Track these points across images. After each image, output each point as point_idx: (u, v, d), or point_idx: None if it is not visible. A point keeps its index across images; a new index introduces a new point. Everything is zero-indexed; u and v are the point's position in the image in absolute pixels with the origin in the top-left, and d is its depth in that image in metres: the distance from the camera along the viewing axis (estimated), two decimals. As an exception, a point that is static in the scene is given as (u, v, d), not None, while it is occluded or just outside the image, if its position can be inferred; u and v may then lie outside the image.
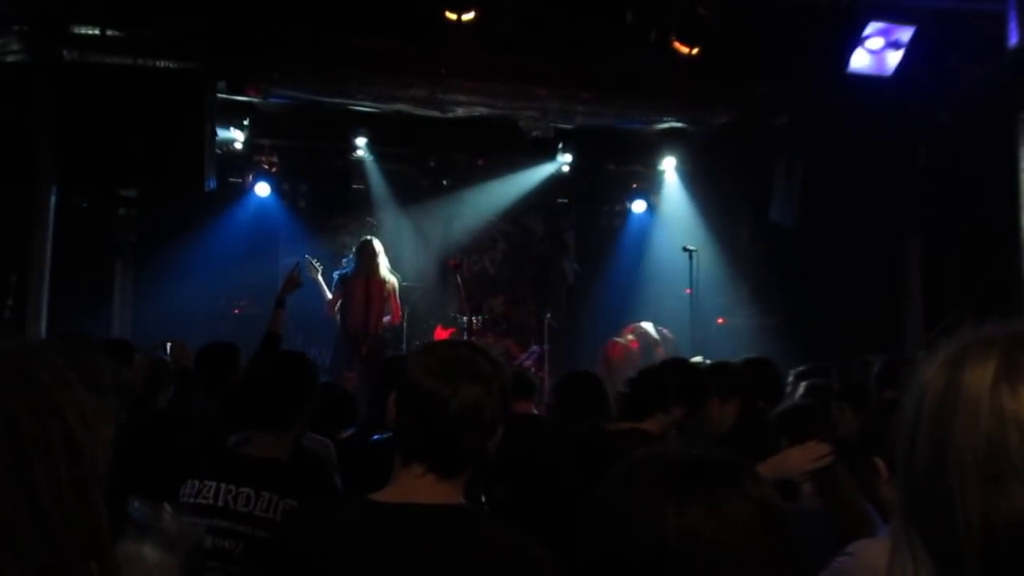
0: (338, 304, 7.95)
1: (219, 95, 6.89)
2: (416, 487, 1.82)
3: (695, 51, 6.74)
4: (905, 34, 6.63)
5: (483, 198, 9.78)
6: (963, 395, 0.94)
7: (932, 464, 0.94)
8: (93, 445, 1.01)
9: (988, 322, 1.01)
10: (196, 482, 2.66)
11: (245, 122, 7.87)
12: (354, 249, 8.30)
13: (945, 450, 0.93)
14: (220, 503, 2.61)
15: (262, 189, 9.16)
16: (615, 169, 9.88)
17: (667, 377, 3.88)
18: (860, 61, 6.70)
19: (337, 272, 8.19)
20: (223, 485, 2.63)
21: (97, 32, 6.28)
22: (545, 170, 9.49)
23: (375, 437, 4.06)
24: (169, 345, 6.61)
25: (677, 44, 6.73)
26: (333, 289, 7.97)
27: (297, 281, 5.74)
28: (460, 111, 7.62)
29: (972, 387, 0.94)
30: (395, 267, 8.36)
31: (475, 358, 1.86)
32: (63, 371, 1.03)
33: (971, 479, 0.91)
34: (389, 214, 9.72)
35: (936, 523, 0.93)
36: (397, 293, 8.16)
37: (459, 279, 8.26)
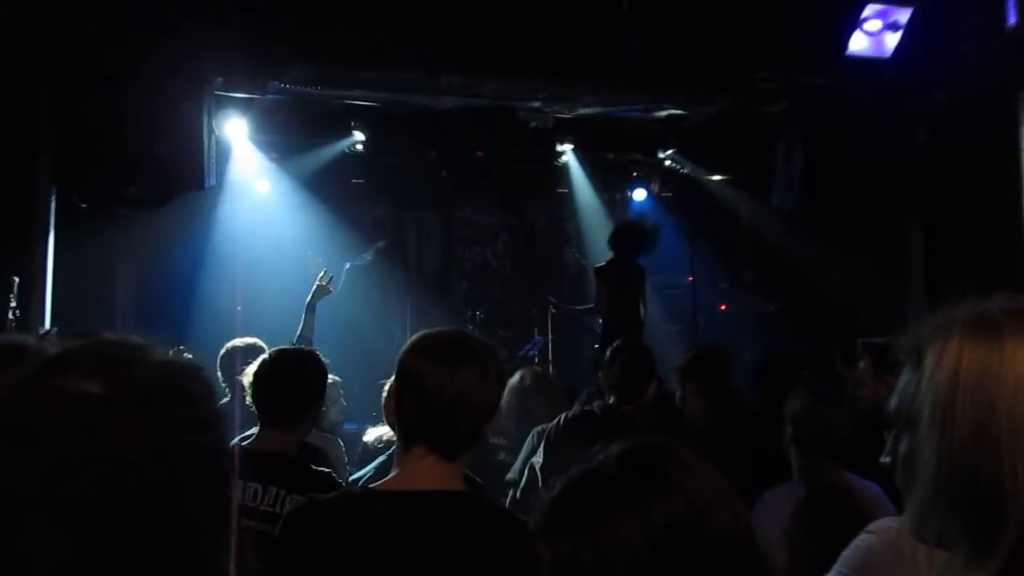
0: None
1: (217, 92, 6.88)
2: (417, 473, 1.85)
3: (693, 37, 6.73)
4: (903, 15, 6.61)
5: (483, 190, 9.77)
6: (1009, 366, 0.94)
7: (976, 434, 0.93)
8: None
9: (994, 296, 1.01)
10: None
11: (244, 118, 7.86)
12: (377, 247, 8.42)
13: (992, 420, 0.93)
14: (227, 498, 2.61)
15: (262, 186, 9.15)
16: (615, 158, 9.85)
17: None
18: (858, 43, 6.68)
19: (349, 263, 8.23)
20: (230, 480, 2.64)
21: (93, 29, 6.26)
22: (545, 160, 9.48)
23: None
24: (171, 353, 6.61)
25: (674, 29, 6.72)
26: (342, 281, 7.97)
27: (327, 289, 5.79)
28: (457, 102, 7.60)
29: (1020, 358, 0.94)
30: (396, 260, 8.40)
31: (469, 342, 1.92)
32: (211, 383, 1.05)
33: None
34: (389, 208, 9.71)
35: (978, 492, 0.93)
36: None
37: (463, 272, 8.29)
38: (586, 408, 4.13)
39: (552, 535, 1.11)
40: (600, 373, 4.50)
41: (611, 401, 4.06)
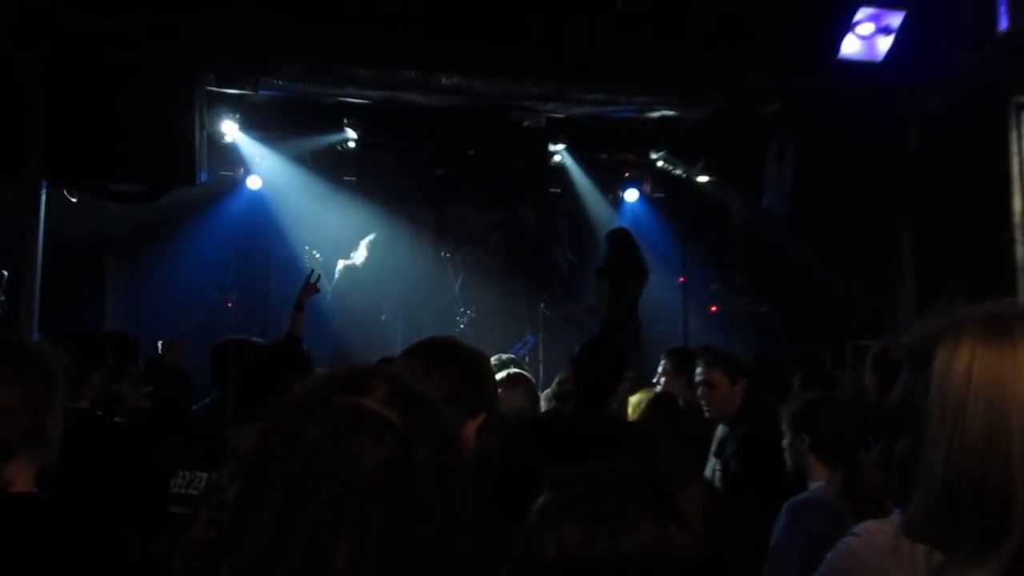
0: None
1: (209, 87, 6.85)
2: None
3: (686, 38, 6.74)
4: (895, 19, 6.63)
5: (475, 188, 9.77)
6: (1022, 370, 0.94)
7: (987, 438, 0.93)
8: None
9: (998, 300, 1.01)
10: (187, 473, 2.67)
11: (236, 114, 7.84)
12: (368, 241, 8.45)
13: (1003, 425, 0.92)
14: (213, 494, 2.61)
15: (254, 182, 9.13)
16: (607, 158, 9.86)
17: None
18: (851, 47, 6.69)
19: (343, 261, 8.28)
20: (215, 476, 2.63)
21: (85, 24, 6.23)
22: (537, 160, 9.48)
23: None
24: (161, 344, 6.57)
25: (668, 31, 6.73)
26: (336, 277, 8.04)
27: (315, 287, 5.81)
28: (451, 101, 7.59)
29: None
30: (389, 258, 8.45)
31: (454, 348, 2.08)
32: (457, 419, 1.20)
33: None
34: (381, 205, 9.71)
35: (986, 496, 0.92)
36: None
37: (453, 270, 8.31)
38: (536, 417, 4.09)
39: (555, 528, 1.09)
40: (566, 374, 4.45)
41: (567, 406, 3.96)
